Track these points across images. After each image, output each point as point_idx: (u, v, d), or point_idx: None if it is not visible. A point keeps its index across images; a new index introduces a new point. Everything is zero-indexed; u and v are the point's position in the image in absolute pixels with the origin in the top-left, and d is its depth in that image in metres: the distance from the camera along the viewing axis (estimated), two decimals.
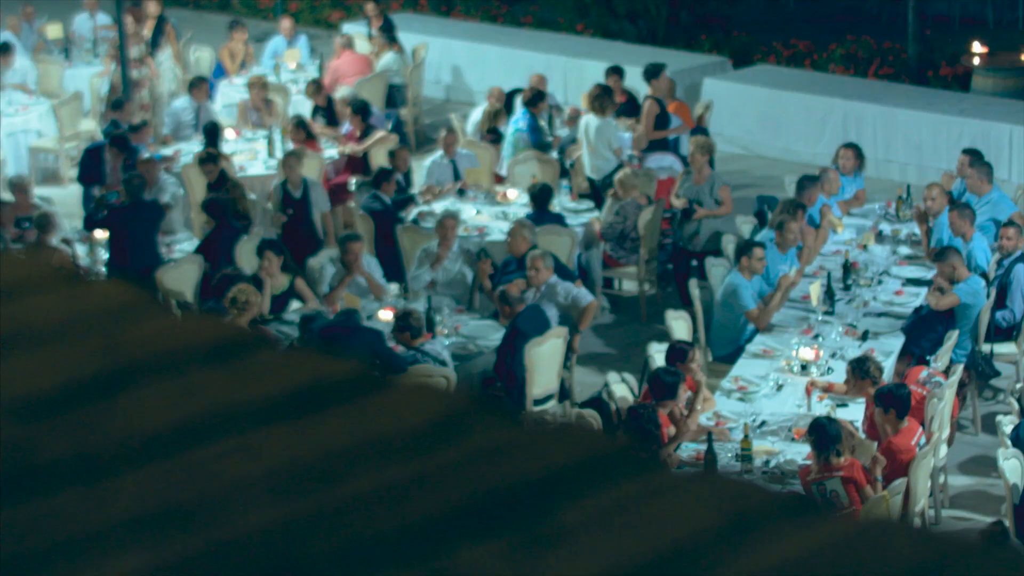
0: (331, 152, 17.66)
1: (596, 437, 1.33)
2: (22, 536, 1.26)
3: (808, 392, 11.53)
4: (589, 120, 16.54)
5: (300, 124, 17.29)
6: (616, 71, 18.52)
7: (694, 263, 15.11)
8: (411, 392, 1.42)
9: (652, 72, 17.75)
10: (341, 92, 19.36)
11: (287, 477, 1.30)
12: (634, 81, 18.87)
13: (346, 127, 18.10)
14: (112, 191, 15.88)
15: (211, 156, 15.58)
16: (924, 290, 13.53)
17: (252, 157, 17.61)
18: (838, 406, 11.33)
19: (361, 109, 17.90)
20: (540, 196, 15.07)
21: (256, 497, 1.27)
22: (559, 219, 15.10)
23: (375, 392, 1.43)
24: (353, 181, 17.00)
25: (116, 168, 16.28)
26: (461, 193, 16.18)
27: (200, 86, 18.71)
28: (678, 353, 11.52)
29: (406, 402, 1.41)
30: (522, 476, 1.28)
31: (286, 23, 22.04)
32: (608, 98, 16.68)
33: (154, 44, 19.98)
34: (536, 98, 17.59)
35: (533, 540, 1.20)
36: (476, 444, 1.34)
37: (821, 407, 11.37)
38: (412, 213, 15.48)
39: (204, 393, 1.42)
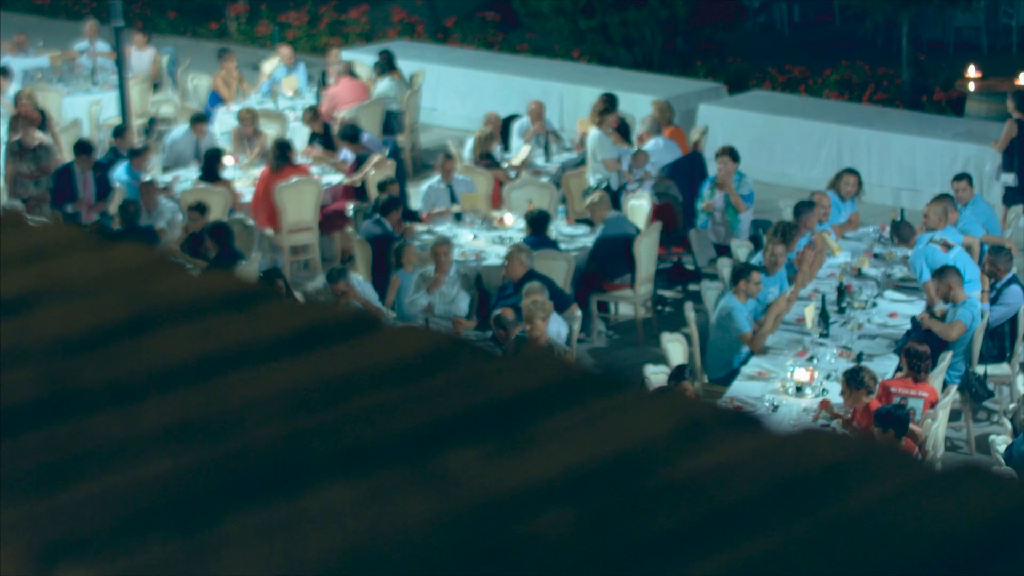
0: (328, 179, 17.78)
1: (565, 365, 1.49)
2: (63, 447, 1.42)
3: (823, 407, 11.65)
4: (591, 132, 17.09)
5: (281, 148, 17.07)
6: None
7: None
8: (402, 332, 1.58)
9: None
10: (340, 117, 19.51)
11: (293, 398, 1.45)
12: (629, 108, 19.07)
13: (344, 153, 18.19)
14: (83, 207, 16.05)
15: (201, 206, 15.55)
16: (916, 311, 13.65)
17: (251, 184, 17.75)
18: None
19: (350, 135, 17.99)
20: (537, 221, 15.20)
21: (265, 414, 1.43)
22: (555, 246, 15.21)
23: (371, 332, 1.59)
24: (351, 207, 17.12)
25: (87, 179, 16.39)
26: (458, 218, 16.28)
27: (199, 125, 18.74)
28: (679, 372, 11.79)
29: (398, 340, 1.57)
30: (500, 395, 1.45)
31: (286, 51, 22.17)
32: (607, 110, 17.11)
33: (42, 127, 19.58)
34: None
35: (509, 446, 1.36)
36: (460, 371, 1.50)
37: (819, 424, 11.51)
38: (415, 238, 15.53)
39: (219, 333, 1.59)
